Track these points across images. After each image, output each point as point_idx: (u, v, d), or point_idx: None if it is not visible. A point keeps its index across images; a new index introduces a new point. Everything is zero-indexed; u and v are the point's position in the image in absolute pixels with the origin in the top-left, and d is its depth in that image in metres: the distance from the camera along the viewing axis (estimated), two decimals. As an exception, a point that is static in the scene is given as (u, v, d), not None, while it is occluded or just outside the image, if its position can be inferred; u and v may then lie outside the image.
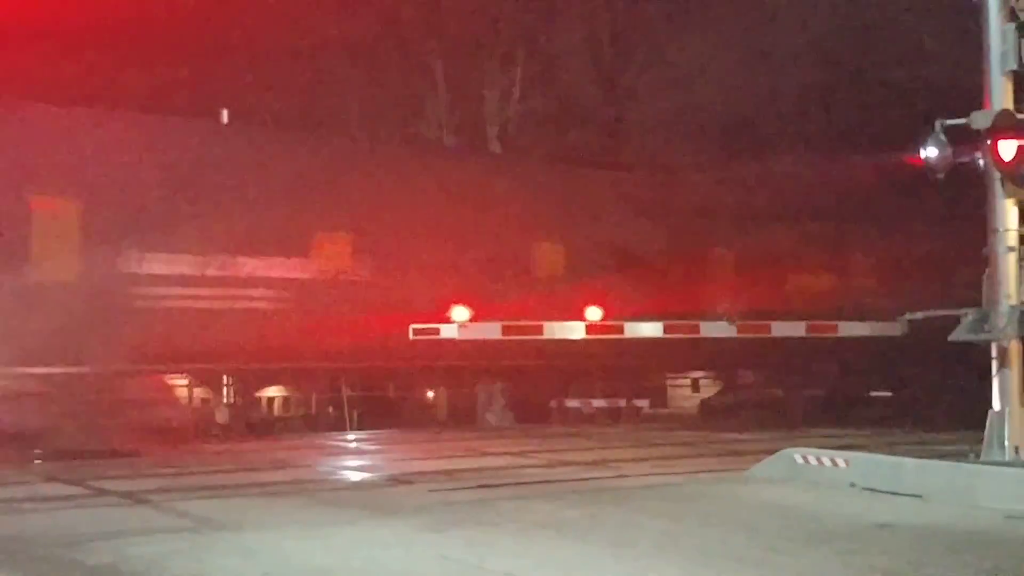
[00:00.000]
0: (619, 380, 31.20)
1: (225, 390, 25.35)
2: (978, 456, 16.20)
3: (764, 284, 27.51)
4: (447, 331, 22.72)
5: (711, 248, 29.43)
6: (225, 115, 25.23)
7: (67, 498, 15.64)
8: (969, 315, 16.78)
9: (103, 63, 27.03)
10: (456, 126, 32.29)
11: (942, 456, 16.72)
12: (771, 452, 17.63)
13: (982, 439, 16.27)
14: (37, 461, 20.30)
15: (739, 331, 23.84)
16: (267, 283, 23.42)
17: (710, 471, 18.21)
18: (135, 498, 15.63)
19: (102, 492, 16.21)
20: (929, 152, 16.80)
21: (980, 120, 16.32)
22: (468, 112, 32.46)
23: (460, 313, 22.75)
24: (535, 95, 33.20)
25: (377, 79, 31.57)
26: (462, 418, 29.55)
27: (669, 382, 34.87)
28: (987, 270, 16.65)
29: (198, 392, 25.28)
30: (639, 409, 32.07)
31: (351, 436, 25.47)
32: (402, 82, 31.95)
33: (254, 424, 25.84)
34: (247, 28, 28.85)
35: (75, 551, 11.56)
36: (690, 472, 18.22)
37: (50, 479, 17.46)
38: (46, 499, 15.55)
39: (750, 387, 32.75)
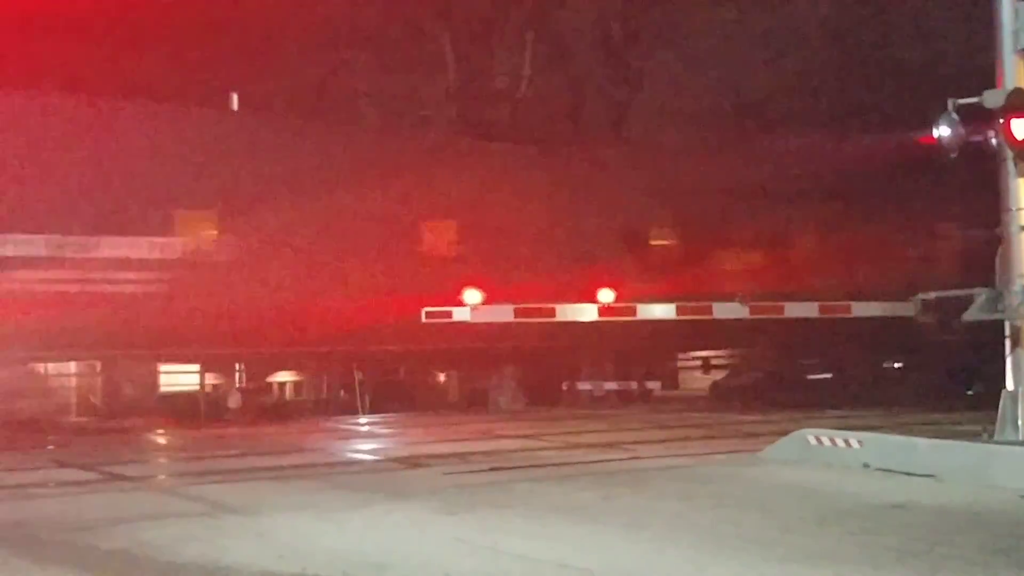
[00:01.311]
0: (631, 362, 31.21)
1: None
2: (991, 436, 16.16)
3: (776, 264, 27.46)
4: (459, 314, 22.65)
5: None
6: (235, 100, 25.24)
7: (81, 483, 15.69)
8: (982, 294, 16.73)
9: (112, 49, 27.02)
10: (466, 108, 32.24)
11: (955, 436, 16.70)
12: (784, 433, 17.59)
13: (995, 419, 16.25)
14: (50, 447, 20.37)
15: (751, 312, 23.76)
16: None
17: (723, 452, 18.20)
18: (148, 483, 15.67)
19: (115, 477, 16.25)
20: (942, 131, 16.72)
21: (992, 99, 16.22)
22: (478, 94, 32.39)
23: (472, 296, 22.67)
24: (545, 77, 33.13)
25: (387, 61, 31.52)
26: (473, 401, 29.58)
27: (680, 364, 34.89)
28: (1000, 249, 16.59)
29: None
30: (650, 391, 32.06)
31: (363, 420, 25.49)
32: (412, 64, 31.89)
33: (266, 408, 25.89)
34: (256, 12, 28.81)
35: (89, 536, 11.57)
36: (703, 454, 18.22)
37: (63, 465, 17.49)
38: (60, 484, 15.59)
39: (759, 368, 32.69)
